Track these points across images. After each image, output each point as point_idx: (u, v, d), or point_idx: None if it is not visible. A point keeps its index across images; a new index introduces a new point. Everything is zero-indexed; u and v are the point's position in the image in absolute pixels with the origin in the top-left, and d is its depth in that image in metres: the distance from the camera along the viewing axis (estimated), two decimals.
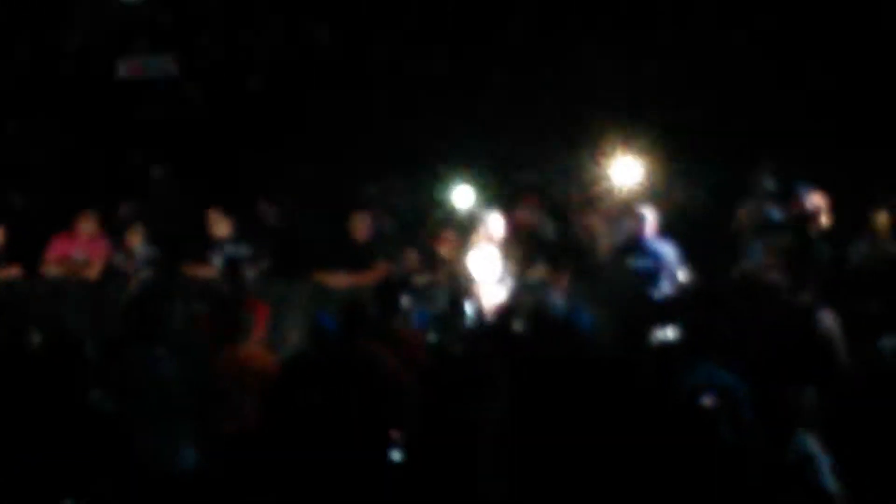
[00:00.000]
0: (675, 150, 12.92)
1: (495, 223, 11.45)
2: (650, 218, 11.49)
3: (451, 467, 8.03)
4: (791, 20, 14.35)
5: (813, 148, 13.16)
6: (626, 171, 12.31)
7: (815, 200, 11.57)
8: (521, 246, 12.18)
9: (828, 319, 9.44)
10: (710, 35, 14.62)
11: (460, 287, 11.12)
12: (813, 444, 7.40)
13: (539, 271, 11.75)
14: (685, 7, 14.87)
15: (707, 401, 7.97)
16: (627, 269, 11.52)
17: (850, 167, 12.84)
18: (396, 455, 8.34)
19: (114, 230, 12.30)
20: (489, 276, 11.30)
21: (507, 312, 10.09)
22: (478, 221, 12.34)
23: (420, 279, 11.51)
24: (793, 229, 11.66)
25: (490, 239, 11.31)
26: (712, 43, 14.52)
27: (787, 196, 12.00)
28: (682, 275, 11.31)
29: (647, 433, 7.68)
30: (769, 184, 12.38)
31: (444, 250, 12.00)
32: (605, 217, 12.53)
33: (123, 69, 15.79)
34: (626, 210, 11.96)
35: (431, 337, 10.35)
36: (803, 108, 13.71)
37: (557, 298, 10.57)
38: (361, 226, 12.13)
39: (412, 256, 11.85)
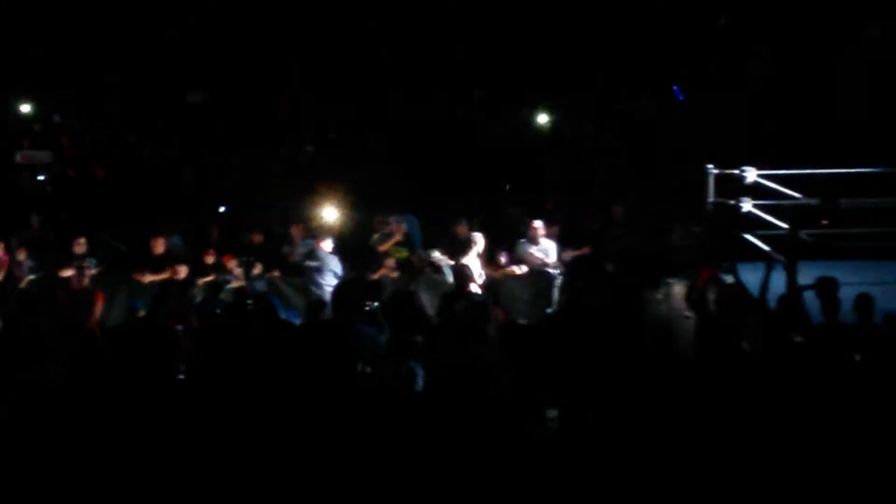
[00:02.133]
0: (351, 204, 13.93)
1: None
2: (329, 239, 12.37)
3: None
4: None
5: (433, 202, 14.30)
6: (327, 214, 13.22)
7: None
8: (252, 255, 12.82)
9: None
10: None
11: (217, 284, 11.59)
12: (416, 366, 8.11)
13: (258, 268, 12.46)
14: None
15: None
16: (308, 266, 12.21)
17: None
18: (180, 375, 8.71)
19: (10, 251, 12.41)
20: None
21: (242, 292, 10.80)
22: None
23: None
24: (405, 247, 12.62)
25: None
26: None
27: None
28: (340, 270, 12.18)
29: (323, 362, 8.46)
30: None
31: (209, 259, 12.48)
32: (300, 237, 13.15)
33: (18, 157, 16.08)
34: (320, 233, 12.66)
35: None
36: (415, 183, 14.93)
37: (261, 285, 11.45)
38: (158, 247, 12.70)
39: (182, 268, 12.11)
